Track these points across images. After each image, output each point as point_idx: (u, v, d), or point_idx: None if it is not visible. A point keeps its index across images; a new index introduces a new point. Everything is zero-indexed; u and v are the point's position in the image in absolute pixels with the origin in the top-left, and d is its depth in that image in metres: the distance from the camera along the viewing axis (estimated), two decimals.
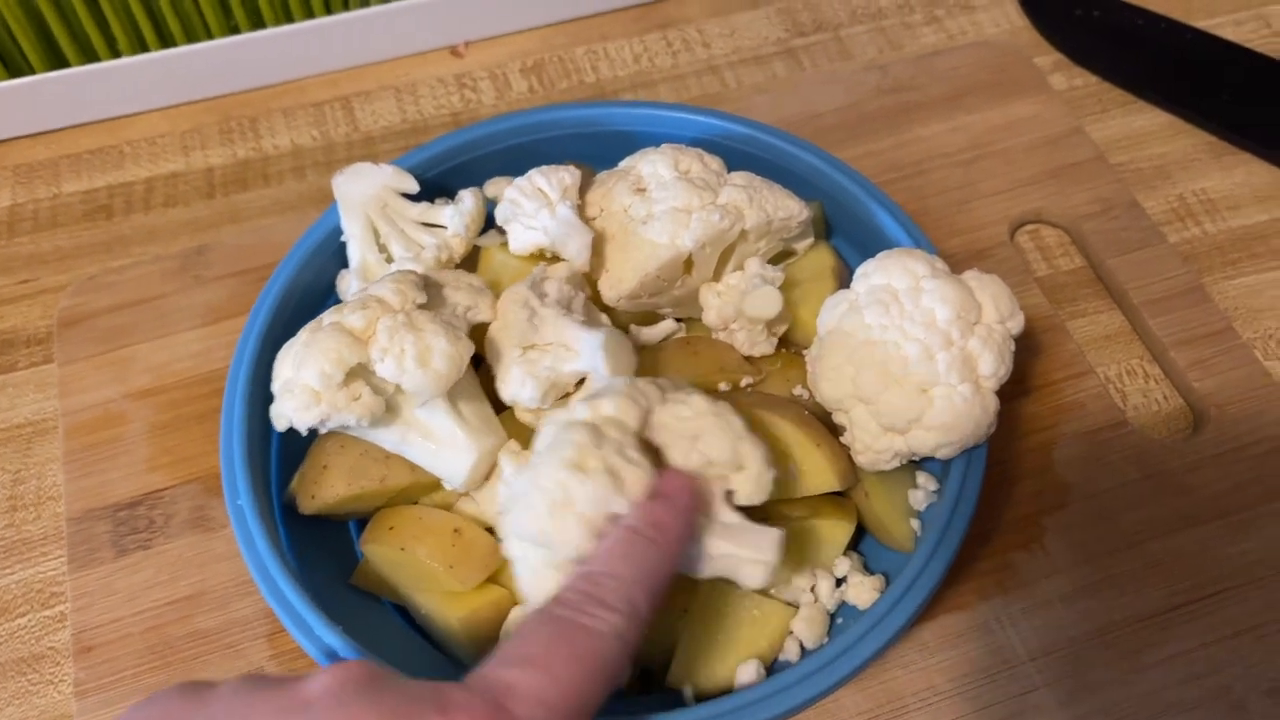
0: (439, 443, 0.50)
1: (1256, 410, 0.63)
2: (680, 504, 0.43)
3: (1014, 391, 0.64)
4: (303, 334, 0.50)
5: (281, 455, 0.57)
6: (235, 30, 0.82)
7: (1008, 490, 0.61)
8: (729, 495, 0.45)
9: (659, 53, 0.85)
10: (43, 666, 0.58)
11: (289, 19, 0.82)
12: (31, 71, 0.79)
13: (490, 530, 0.53)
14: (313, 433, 0.50)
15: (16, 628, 0.60)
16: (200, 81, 0.82)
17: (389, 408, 0.50)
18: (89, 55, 0.80)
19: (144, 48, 0.80)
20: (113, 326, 0.69)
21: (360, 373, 0.49)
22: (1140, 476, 0.61)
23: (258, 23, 0.82)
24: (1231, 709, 0.53)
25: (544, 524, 0.42)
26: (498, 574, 0.53)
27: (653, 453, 0.44)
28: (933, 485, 0.54)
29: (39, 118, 0.80)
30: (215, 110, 0.83)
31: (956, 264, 0.69)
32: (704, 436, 0.44)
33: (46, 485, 0.65)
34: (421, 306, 0.50)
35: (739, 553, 0.44)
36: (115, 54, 0.80)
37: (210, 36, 0.81)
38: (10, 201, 0.78)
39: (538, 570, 0.44)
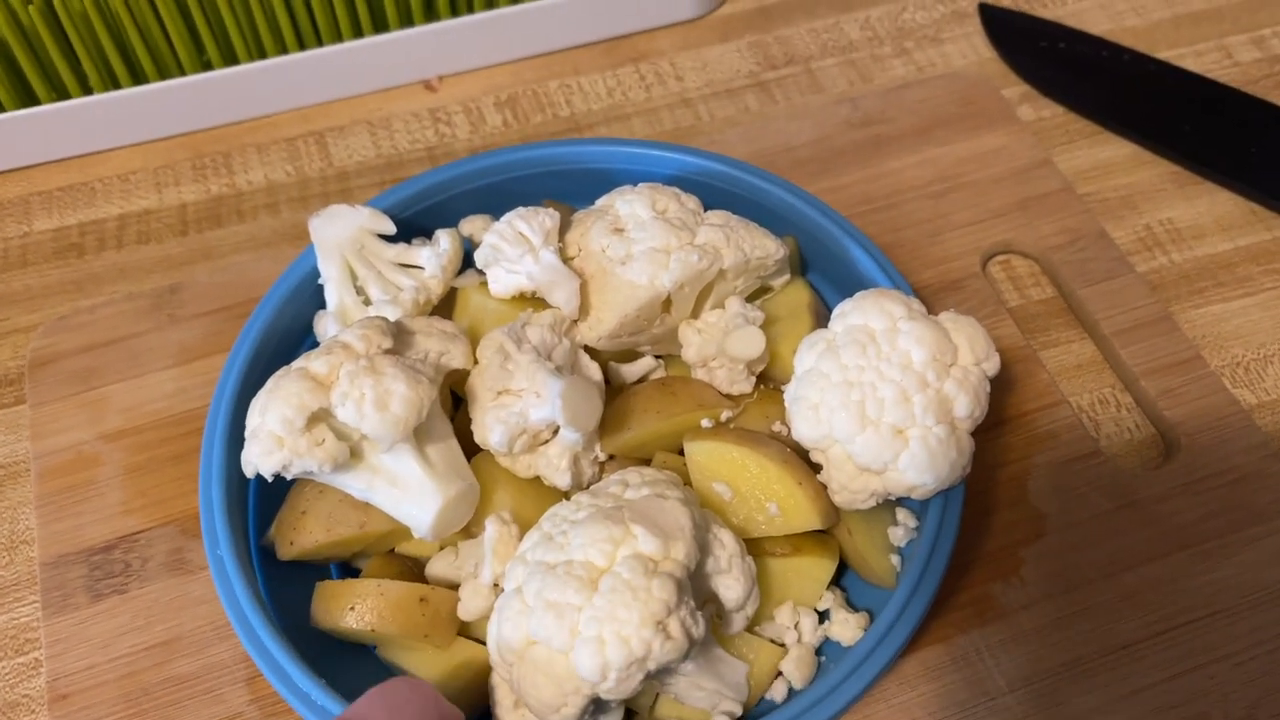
0: (404, 489, 0.50)
1: (1225, 438, 0.64)
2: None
3: (988, 423, 0.64)
4: (270, 381, 0.50)
5: (259, 498, 0.57)
6: (208, 66, 0.81)
7: (984, 522, 0.61)
8: (718, 620, 0.50)
9: (632, 86, 0.85)
10: (17, 715, 0.58)
11: (262, 55, 0.82)
12: (1, 109, 0.78)
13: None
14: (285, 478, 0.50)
15: None
16: (172, 118, 0.82)
17: (355, 454, 0.50)
18: (60, 92, 0.80)
19: (115, 84, 0.80)
20: (85, 367, 0.69)
21: (324, 418, 0.49)
22: (1114, 507, 0.62)
23: (230, 58, 0.81)
24: None
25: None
26: (473, 626, 0.53)
27: None
28: (912, 522, 0.55)
29: (9, 155, 0.80)
30: (188, 146, 0.82)
31: (930, 295, 0.70)
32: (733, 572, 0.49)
33: (19, 529, 0.64)
34: (388, 351, 0.50)
35: (722, 689, 0.49)
36: (86, 91, 0.80)
37: (182, 72, 0.81)
38: None
39: None
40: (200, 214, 0.78)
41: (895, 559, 0.54)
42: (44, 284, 0.75)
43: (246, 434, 0.49)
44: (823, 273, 0.64)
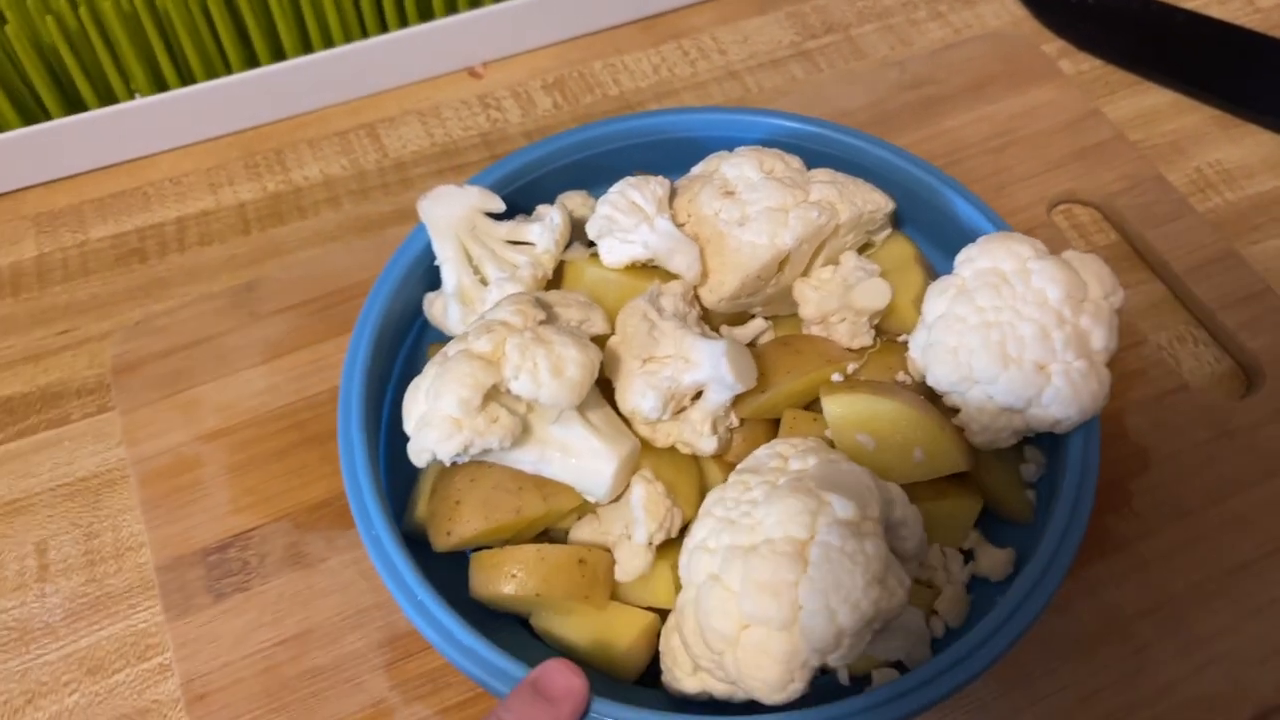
0: (578, 456, 0.50)
1: None
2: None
3: None
4: (430, 369, 0.49)
5: (388, 486, 0.56)
6: (255, 63, 0.81)
7: None
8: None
9: (677, 62, 0.86)
10: None
11: (308, 49, 0.81)
12: (48, 117, 0.77)
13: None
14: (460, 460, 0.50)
15: (115, 684, 0.58)
16: (220, 117, 0.81)
17: (524, 428, 0.50)
18: (105, 98, 0.78)
19: (162, 86, 0.79)
20: (171, 370, 0.68)
21: (494, 395, 0.49)
22: (1210, 436, 0.64)
23: (278, 54, 0.81)
24: None
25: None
26: (621, 589, 0.54)
27: None
28: (1041, 458, 0.56)
29: (57, 164, 0.78)
30: (238, 145, 0.81)
31: None
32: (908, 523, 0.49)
33: (123, 536, 0.63)
34: (542, 323, 0.50)
35: (908, 637, 0.50)
36: (132, 94, 0.79)
37: (229, 71, 0.80)
38: (36, 251, 0.76)
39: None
40: (260, 212, 0.78)
41: (1030, 494, 0.55)
42: (110, 291, 0.74)
43: (413, 424, 0.48)
44: (917, 225, 0.65)
